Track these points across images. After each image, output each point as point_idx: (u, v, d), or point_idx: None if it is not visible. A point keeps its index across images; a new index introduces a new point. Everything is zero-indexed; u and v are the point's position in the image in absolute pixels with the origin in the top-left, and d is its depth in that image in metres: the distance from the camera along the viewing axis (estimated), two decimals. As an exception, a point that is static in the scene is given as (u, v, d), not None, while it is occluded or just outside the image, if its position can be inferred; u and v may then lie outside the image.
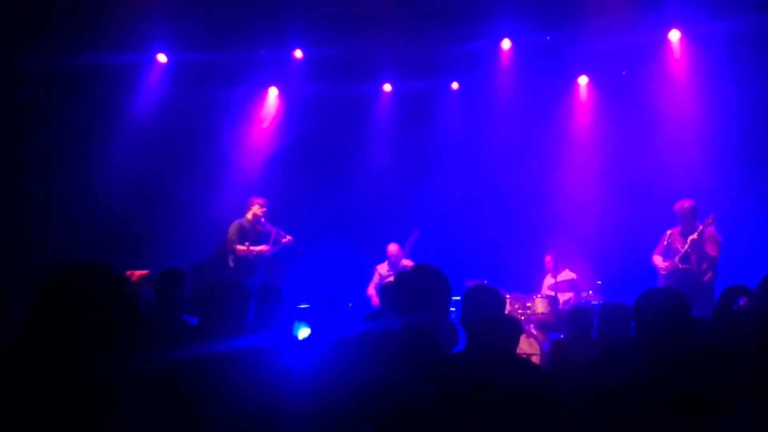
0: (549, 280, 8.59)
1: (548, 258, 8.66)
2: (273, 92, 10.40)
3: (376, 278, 8.97)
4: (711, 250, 7.18)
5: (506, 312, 7.33)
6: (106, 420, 1.53)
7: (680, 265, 7.23)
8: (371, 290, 8.94)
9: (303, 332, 5.27)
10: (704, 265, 7.17)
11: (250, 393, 2.69)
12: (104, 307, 1.61)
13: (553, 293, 8.21)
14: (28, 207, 8.54)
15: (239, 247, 8.02)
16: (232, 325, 3.32)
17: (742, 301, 2.75)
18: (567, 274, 8.65)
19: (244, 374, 2.79)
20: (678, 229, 7.42)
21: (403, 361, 2.41)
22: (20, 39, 8.11)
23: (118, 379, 1.59)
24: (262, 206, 8.27)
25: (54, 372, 1.51)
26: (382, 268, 8.93)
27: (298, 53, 9.81)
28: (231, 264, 8.10)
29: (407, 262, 8.67)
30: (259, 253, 8.11)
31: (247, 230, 8.19)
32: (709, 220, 7.19)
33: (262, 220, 8.27)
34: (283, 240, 8.32)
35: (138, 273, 6.72)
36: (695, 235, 7.16)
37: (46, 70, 8.49)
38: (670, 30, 9.10)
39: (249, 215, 8.24)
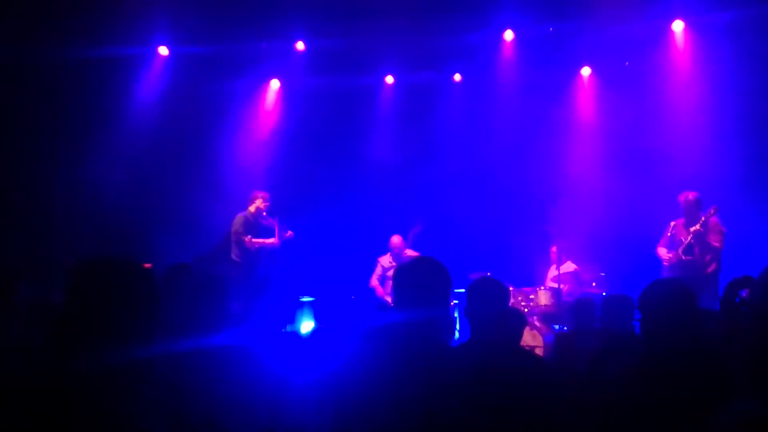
0: (553, 272, 8.57)
1: (553, 249, 8.63)
2: (275, 84, 10.38)
3: (378, 270, 8.99)
4: (715, 241, 7.14)
5: (510, 304, 7.33)
6: (123, 404, 1.58)
7: (683, 257, 7.20)
8: (374, 281, 8.95)
9: (306, 325, 5.29)
10: (708, 257, 7.13)
11: (238, 386, 2.70)
12: (135, 298, 1.73)
13: (556, 285, 8.20)
14: (31, 199, 8.54)
15: (247, 239, 8.02)
16: (213, 317, 3.33)
17: (744, 293, 2.74)
18: (569, 266, 8.63)
19: (233, 366, 2.80)
20: (682, 220, 7.38)
21: (406, 354, 2.41)
22: (21, 32, 8.09)
23: (138, 366, 1.66)
24: (265, 200, 8.30)
25: (84, 357, 1.58)
26: (385, 260, 8.94)
27: (300, 45, 9.79)
28: (235, 257, 8.10)
29: (410, 253, 8.67)
30: (262, 246, 8.13)
31: (252, 223, 8.21)
32: (711, 211, 7.15)
33: (264, 213, 8.30)
34: (285, 235, 8.38)
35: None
36: (698, 226, 7.13)
37: (48, 64, 8.48)
38: (673, 21, 9.07)
39: (252, 208, 8.25)
